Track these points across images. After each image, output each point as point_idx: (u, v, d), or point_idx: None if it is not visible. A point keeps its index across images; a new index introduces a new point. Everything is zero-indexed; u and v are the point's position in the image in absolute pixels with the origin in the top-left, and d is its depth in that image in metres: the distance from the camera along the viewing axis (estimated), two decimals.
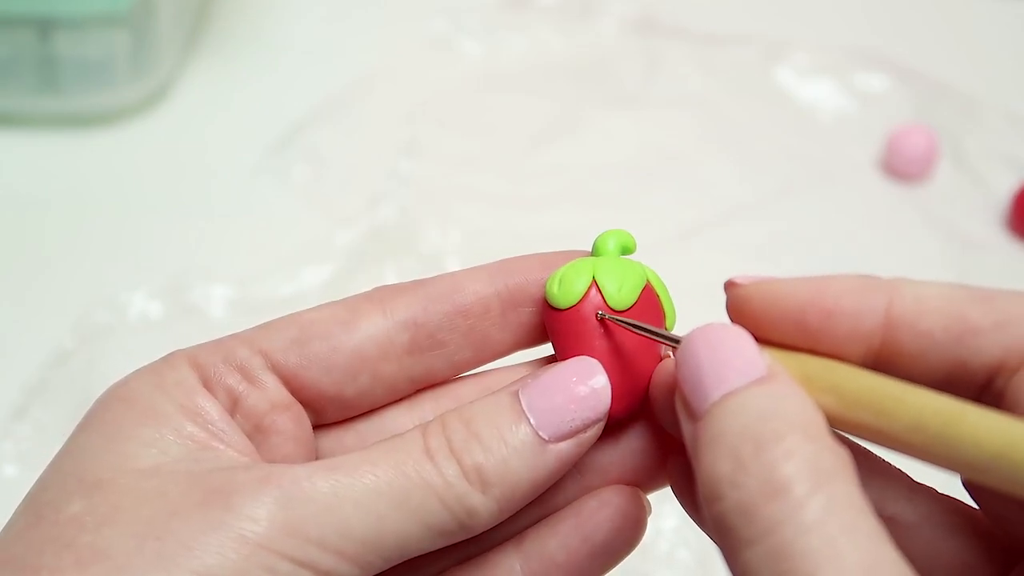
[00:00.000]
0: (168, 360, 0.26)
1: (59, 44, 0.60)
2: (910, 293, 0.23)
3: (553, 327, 0.27)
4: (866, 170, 0.66)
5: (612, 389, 0.25)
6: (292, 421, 0.26)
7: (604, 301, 0.26)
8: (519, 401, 0.25)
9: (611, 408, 0.25)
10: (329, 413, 0.27)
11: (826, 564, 0.19)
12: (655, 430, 0.27)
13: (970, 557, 0.24)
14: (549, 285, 0.27)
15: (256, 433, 0.26)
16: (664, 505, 0.45)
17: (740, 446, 0.21)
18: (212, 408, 0.25)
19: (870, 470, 0.25)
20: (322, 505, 0.23)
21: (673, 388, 0.24)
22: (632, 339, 0.26)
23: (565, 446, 0.24)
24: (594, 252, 0.28)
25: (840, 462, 0.21)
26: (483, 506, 0.24)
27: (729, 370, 0.22)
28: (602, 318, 0.26)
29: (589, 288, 0.26)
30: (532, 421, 0.24)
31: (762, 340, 0.23)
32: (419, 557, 0.26)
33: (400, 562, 0.24)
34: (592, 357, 0.26)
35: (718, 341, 0.23)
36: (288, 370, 0.26)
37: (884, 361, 0.24)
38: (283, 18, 0.73)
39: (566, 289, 0.26)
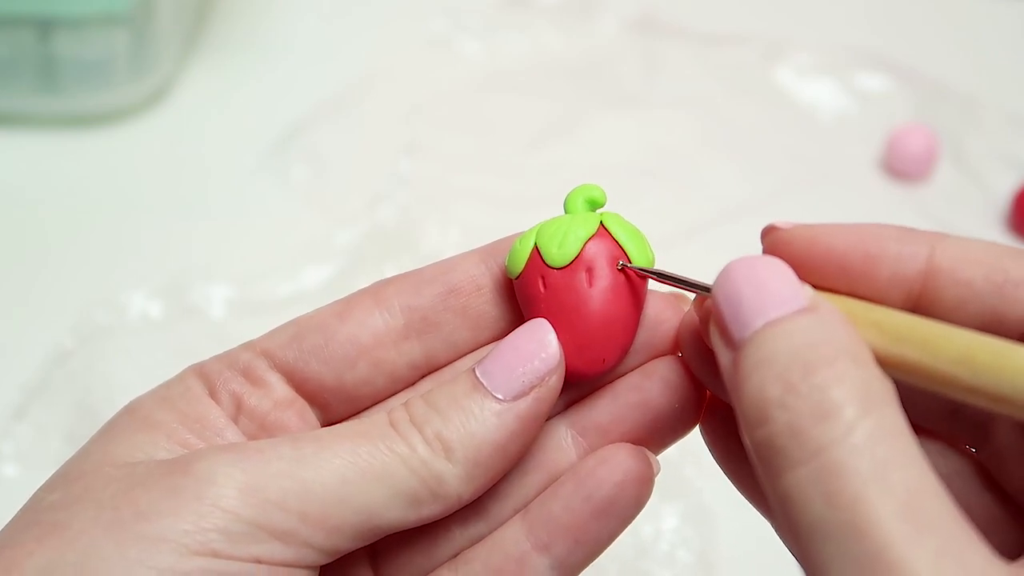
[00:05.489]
0: (179, 375, 0.27)
1: (59, 44, 0.60)
2: (953, 244, 0.24)
3: (517, 296, 0.28)
4: (866, 170, 0.66)
5: (582, 346, 0.26)
6: (296, 416, 0.27)
7: (543, 262, 0.26)
8: (474, 372, 0.25)
9: (583, 363, 0.26)
10: (335, 407, 0.28)
11: (873, 485, 0.19)
12: (654, 385, 0.27)
13: (1000, 513, 0.25)
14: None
15: (260, 432, 0.27)
16: (664, 505, 0.45)
17: (789, 369, 0.21)
18: (214, 415, 0.26)
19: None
20: (284, 469, 0.23)
21: (699, 334, 0.25)
22: (604, 295, 0.26)
23: (523, 404, 0.25)
24: (566, 212, 0.28)
25: (887, 390, 0.21)
26: (450, 472, 0.24)
27: (772, 299, 0.22)
28: (622, 267, 0.26)
29: (531, 252, 0.27)
30: (486, 385, 0.25)
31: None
32: (431, 541, 0.26)
33: (375, 537, 0.24)
34: (544, 318, 0.26)
35: (759, 271, 0.23)
36: (289, 366, 0.27)
37: (922, 310, 0.24)
38: (283, 18, 0.73)
39: (512, 258, 0.27)
